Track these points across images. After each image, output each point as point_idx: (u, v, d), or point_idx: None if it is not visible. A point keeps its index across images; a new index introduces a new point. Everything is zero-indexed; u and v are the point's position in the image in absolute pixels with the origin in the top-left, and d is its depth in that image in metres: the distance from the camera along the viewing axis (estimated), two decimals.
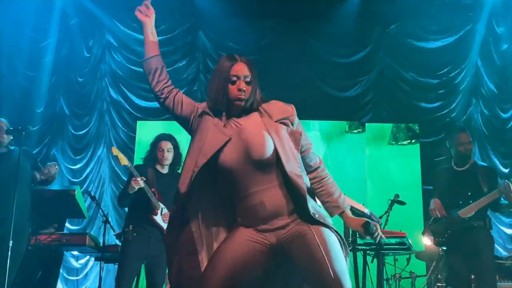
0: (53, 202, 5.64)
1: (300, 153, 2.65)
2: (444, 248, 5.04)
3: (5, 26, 7.46)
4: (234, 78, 2.60)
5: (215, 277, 2.43)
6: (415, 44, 8.47)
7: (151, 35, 2.82)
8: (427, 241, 5.34)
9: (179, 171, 5.28)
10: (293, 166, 2.53)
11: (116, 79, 8.44)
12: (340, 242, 2.52)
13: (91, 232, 6.98)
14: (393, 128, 8.43)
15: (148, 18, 2.83)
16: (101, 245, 5.79)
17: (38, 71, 8.11)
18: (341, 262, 2.45)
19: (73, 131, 8.32)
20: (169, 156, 5.13)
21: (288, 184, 2.53)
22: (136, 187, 4.81)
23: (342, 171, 7.93)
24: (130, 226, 4.85)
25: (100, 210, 6.13)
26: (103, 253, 5.76)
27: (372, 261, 5.26)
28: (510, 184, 4.65)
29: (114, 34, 8.44)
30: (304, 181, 2.56)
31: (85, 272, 7.92)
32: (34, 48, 8.09)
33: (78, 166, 8.20)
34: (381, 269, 5.11)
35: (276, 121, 2.62)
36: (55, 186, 6.14)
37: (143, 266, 4.94)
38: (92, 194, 6.84)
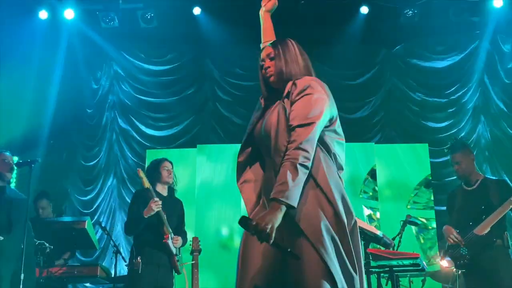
0: (63, 234, 5.62)
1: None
2: (463, 269, 4.94)
3: (12, 59, 7.55)
4: (262, 63, 2.73)
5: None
6: (421, 64, 8.48)
7: (269, 17, 3.17)
8: (444, 263, 5.25)
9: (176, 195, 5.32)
10: (279, 149, 2.44)
11: (124, 109, 8.51)
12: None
13: (103, 263, 6.95)
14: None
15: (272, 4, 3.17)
16: (113, 276, 5.76)
17: (45, 103, 8.18)
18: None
19: (83, 162, 8.35)
20: (173, 176, 5.17)
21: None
22: (156, 210, 4.79)
23: (354, 191, 7.88)
24: (139, 257, 4.81)
25: (111, 241, 6.11)
26: (115, 284, 5.73)
27: (386, 284, 5.19)
28: None
29: (122, 64, 8.53)
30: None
31: None
32: (41, 80, 8.17)
33: (88, 197, 8.20)
34: None
35: (280, 100, 2.62)
36: (65, 218, 6.14)
37: None
38: (103, 225, 6.83)
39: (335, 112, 2.57)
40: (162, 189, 5.16)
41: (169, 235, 4.92)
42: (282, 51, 2.68)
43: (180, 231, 5.28)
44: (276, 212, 2.24)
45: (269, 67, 2.68)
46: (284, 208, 2.25)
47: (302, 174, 2.30)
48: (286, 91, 2.56)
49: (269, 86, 2.72)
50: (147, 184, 4.90)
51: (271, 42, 2.82)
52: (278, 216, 2.24)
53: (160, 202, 4.82)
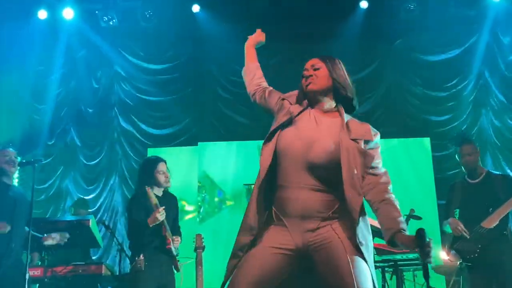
0: (68, 233, 5.61)
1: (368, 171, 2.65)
2: (469, 263, 4.91)
3: (12, 60, 7.55)
4: (305, 72, 2.82)
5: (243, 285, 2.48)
6: (421, 58, 8.46)
7: (253, 47, 3.40)
8: (444, 256, 5.25)
9: (170, 190, 5.17)
10: (354, 186, 2.53)
11: (125, 109, 8.50)
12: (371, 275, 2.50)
13: (107, 262, 6.94)
14: None
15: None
16: (118, 274, 5.75)
17: (47, 104, 8.18)
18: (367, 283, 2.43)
19: (85, 162, 8.35)
20: (169, 178, 4.99)
21: (342, 200, 2.53)
22: (161, 219, 4.63)
23: None
24: (141, 255, 4.74)
25: (114, 239, 6.09)
26: (120, 282, 5.72)
27: (391, 278, 5.19)
28: None
29: (122, 64, 8.52)
30: (361, 203, 2.56)
31: None
32: (42, 81, 8.18)
33: (91, 196, 8.20)
34: (400, 285, 5.03)
35: (352, 139, 2.63)
36: (70, 217, 6.14)
37: None
38: (106, 223, 6.82)
39: None
40: (158, 190, 5.02)
41: (171, 240, 4.87)
42: (331, 66, 2.81)
43: (176, 226, 5.23)
44: None
45: (311, 75, 2.77)
46: None
47: None
48: (360, 134, 2.67)
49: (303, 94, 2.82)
50: (155, 201, 4.68)
51: (320, 56, 2.86)
52: None
53: (164, 212, 4.65)
